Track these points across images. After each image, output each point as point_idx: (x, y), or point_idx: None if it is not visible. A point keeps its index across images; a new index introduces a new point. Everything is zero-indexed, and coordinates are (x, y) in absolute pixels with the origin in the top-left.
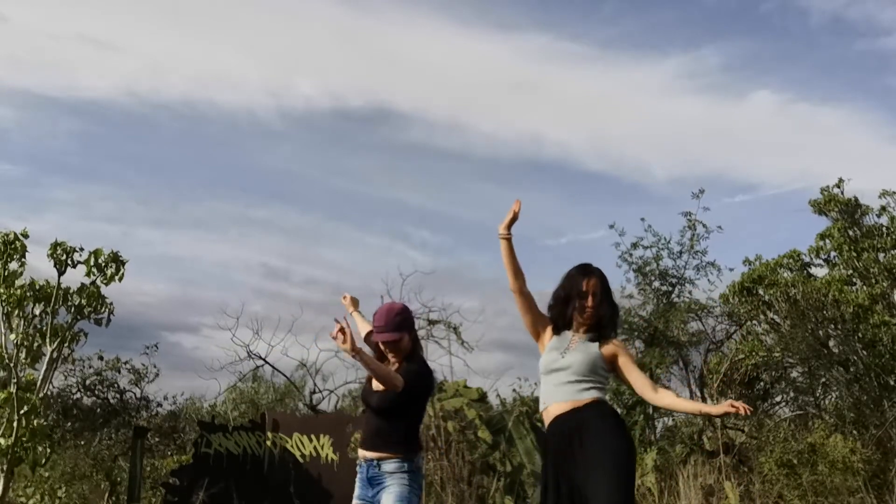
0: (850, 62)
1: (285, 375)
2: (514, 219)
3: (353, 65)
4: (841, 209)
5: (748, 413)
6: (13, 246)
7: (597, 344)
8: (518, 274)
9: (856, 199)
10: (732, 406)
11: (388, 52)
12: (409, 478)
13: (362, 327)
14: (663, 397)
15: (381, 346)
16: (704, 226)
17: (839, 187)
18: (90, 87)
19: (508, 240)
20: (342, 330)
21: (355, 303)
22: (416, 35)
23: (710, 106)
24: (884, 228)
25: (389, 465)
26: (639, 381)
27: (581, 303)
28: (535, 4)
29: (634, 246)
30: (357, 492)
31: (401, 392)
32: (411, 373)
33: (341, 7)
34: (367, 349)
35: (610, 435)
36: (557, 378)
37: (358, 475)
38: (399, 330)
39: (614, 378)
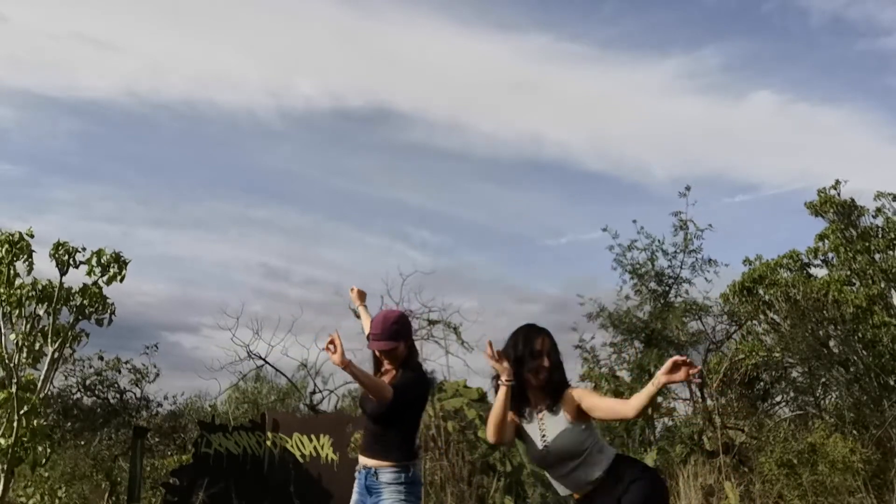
0: (850, 62)
1: (285, 376)
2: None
3: (353, 65)
4: (837, 210)
5: (694, 373)
6: (19, 246)
7: (561, 413)
8: (506, 425)
9: (852, 201)
10: (675, 362)
11: (388, 53)
12: (406, 489)
13: (366, 322)
14: (633, 404)
15: (377, 354)
16: (695, 224)
17: (836, 189)
18: (90, 87)
19: (512, 386)
20: (333, 342)
21: (362, 296)
22: (416, 35)
23: (710, 106)
24: (879, 230)
25: (386, 476)
26: (607, 409)
27: (536, 363)
28: (536, 5)
29: (629, 248)
30: (355, 497)
31: (394, 400)
32: (406, 382)
33: (341, 7)
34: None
35: (635, 485)
36: (557, 472)
37: (356, 480)
38: (395, 339)
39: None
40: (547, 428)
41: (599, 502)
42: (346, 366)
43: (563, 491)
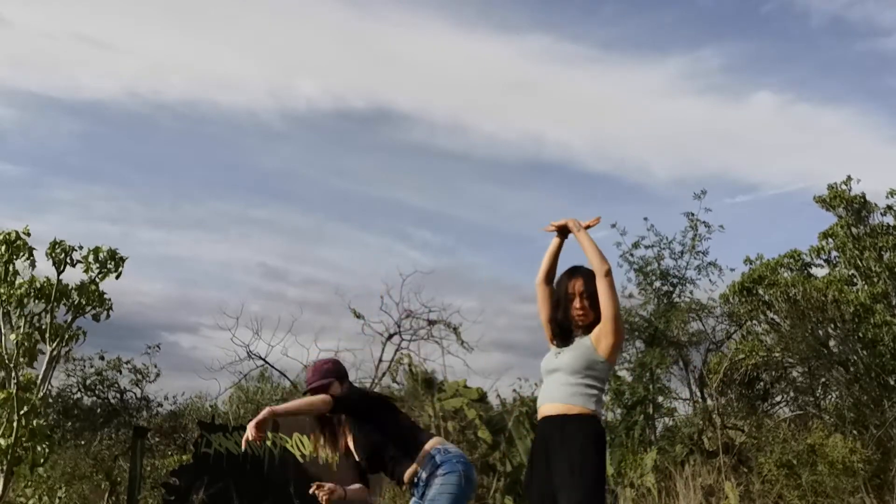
0: (850, 63)
1: (286, 376)
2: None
3: (354, 66)
4: (847, 206)
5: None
6: (16, 245)
7: (588, 337)
8: (550, 271)
9: (863, 197)
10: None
11: (389, 53)
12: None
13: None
14: (596, 266)
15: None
16: (707, 226)
17: (846, 185)
18: (91, 87)
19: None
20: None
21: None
22: (417, 36)
23: (710, 107)
24: (889, 227)
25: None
26: (601, 302)
27: (570, 305)
28: (537, 6)
29: (636, 245)
30: None
31: (338, 407)
32: (346, 392)
33: (343, 8)
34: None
35: (579, 453)
36: (554, 379)
37: None
38: (326, 377)
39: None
40: (570, 347)
41: (550, 433)
42: (271, 414)
43: (544, 398)
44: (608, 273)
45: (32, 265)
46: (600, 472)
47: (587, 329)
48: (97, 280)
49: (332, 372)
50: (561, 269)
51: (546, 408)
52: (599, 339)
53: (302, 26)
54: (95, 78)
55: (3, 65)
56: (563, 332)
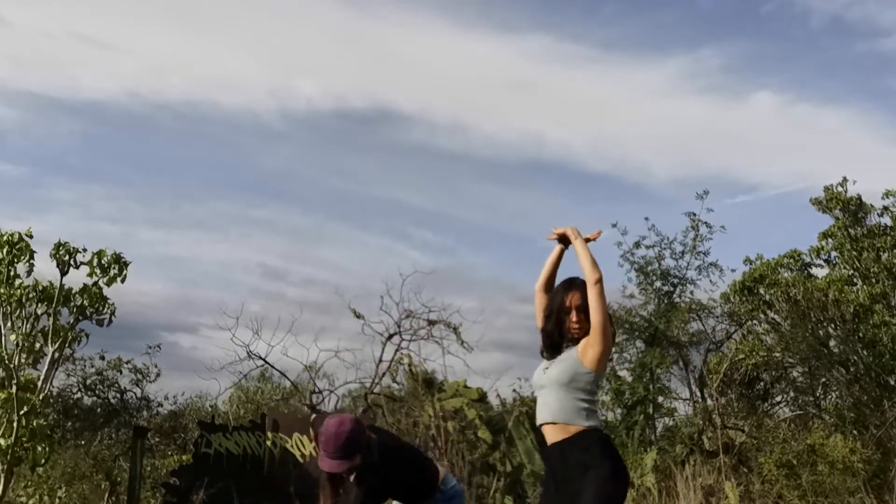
0: (850, 63)
1: (286, 376)
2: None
3: (355, 66)
4: (843, 207)
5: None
6: (18, 247)
7: (574, 349)
8: (550, 278)
9: (859, 198)
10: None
11: (390, 54)
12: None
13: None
14: (588, 273)
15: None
16: (708, 226)
17: (842, 186)
18: (92, 87)
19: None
20: None
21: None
22: (418, 36)
23: (711, 107)
24: (886, 228)
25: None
26: (591, 309)
27: (566, 318)
28: (537, 6)
29: (637, 245)
30: None
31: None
32: (357, 494)
33: (344, 8)
34: None
35: (590, 467)
36: (544, 396)
37: None
38: (350, 457)
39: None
40: (557, 360)
41: (557, 458)
42: None
43: (540, 417)
44: (598, 281)
45: (31, 269)
46: (615, 474)
47: (579, 341)
48: (101, 284)
49: (355, 448)
50: (561, 277)
51: (545, 431)
52: (586, 350)
53: (302, 26)
54: (95, 78)
55: (3, 65)
56: (552, 343)
